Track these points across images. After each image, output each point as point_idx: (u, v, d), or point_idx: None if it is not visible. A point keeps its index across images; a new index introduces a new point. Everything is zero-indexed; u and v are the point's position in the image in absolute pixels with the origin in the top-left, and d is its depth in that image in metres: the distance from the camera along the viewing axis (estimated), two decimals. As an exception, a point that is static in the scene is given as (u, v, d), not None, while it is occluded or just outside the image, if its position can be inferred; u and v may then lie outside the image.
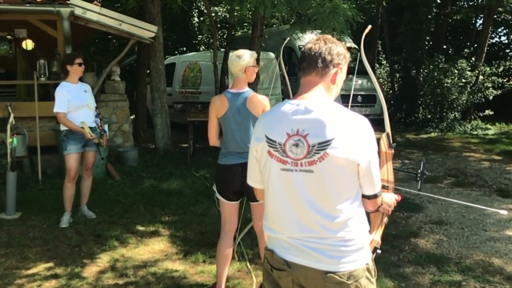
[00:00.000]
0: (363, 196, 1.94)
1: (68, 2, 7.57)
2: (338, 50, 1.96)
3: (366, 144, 1.84)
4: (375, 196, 1.94)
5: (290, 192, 1.89)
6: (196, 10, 18.91)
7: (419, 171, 2.33)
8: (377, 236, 2.13)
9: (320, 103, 1.88)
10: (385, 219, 2.12)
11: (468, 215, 5.83)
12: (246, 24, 17.20)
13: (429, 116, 13.76)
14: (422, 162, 2.42)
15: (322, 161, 1.81)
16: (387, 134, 2.25)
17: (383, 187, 2.10)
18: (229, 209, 3.65)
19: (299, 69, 1.97)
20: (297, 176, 1.87)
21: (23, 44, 9.99)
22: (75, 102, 5.30)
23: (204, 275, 4.16)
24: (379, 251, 2.06)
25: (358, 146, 1.82)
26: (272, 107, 2.02)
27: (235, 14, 9.58)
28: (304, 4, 7.25)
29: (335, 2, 7.16)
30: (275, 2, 7.03)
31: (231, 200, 3.62)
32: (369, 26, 2.40)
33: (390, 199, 2.13)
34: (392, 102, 15.17)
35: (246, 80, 3.56)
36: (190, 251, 4.66)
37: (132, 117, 10.17)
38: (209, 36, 19.63)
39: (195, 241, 4.95)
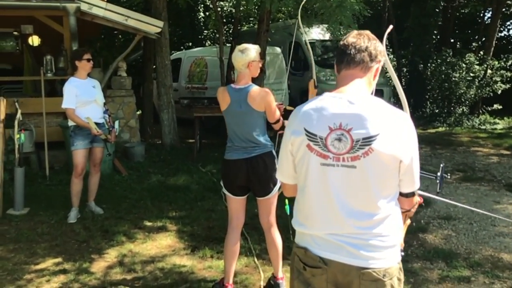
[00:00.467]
0: (401, 194, 1.92)
1: (75, -3, 7.57)
2: (380, 47, 1.96)
3: (409, 140, 1.83)
4: (412, 194, 1.94)
5: (329, 187, 1.85)
6: (202, 5, 18.85)
7: (438, 174, 2.30)
8: (400, 238, 2.11)
9: (363, 98, 1.86)
10: (408, 221, 2.09)
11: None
12: (252, 19, 17.14)
13: (436, 111, 13.66)
14: (441, 166, 2.38)
15: (366, 156, 1.78)
16: None
17: None
18: (235, 205, 3.65)
19: (340, 62, 1.94)
20: (338, 171, 1.83)
21: (30, 40, 10.02)
22: (83, 97, 5.31)
23: (212, 270, 4.16)
24: (402, 253, 2.04)
25: (402, 143, 1.80)
26: (310, 100, 1.97)
27: (241, 8, 9.52)
28: (311, -1, 7.20)
29: (342, -4, 7.11)
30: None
31: (237, 195, 3.61)
32: (391, 26, 2.38)
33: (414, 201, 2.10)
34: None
35: (250, 75, 3.52)
36: (198, 246, 4.66)
37: (138, 112, 10.16)
38: (215, 31, 19.56)
39: (202, 236, 4.95)
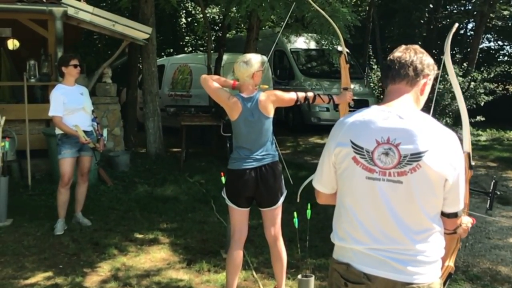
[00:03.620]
0: (443, 214, 1.88)
1: (61, 1, 7.34)
2: (428, 60, 1.93)
3: (456, 159, 1.80)
4: (455, 215, 1.89)
5: (373, 201, 1.81)
6: (184, 11, 18.67)
7: (491, 190, 2.26)
8: (451, 262, 2.09)
9: (411, 113, 1.84)
10: (459, 244, 2.04)
11: (470, 222, 5.78)
12: (236, 26, 17.04)
13: (420, 122, 13.62)
14: (493, 182, 2.34)
15: (414, 172, 1.75)
16: (468, 154, 2.20)
17: None
18: (239, 217, 3.54)
19: (385, 77, 1.93)
20: (383, 186, 1.80)
21: (8, 44, 9.69)
22: (70, 105, 5.14)
23: (211, 284, 4.03)
24: (452, 276, 2.05)
25: (449, 161, 1.77)
26: (357, 111, 1.93)
27: (231, 15, 9.41)
28: (303, 8, 7.15)
29: (334, 6, 7.09)
30: (273, 5, 6.94)
31: (242, 206, 3.51)
32: (456, 25, 2.36)
33: (467, 222, 2.05)
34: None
35: (254, 84, 3.50)
36: (193, 259, 4.52)
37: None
38: (197, 37, 19.41)
39: (197, 249, 4.80)
